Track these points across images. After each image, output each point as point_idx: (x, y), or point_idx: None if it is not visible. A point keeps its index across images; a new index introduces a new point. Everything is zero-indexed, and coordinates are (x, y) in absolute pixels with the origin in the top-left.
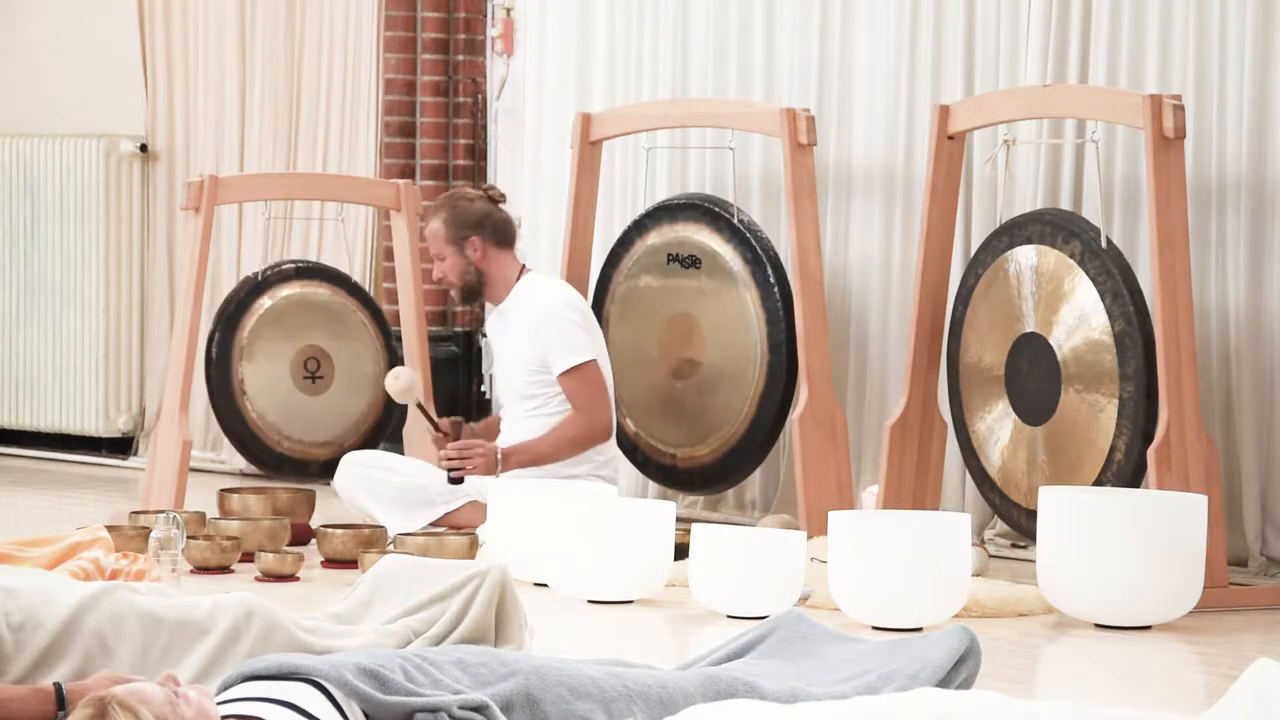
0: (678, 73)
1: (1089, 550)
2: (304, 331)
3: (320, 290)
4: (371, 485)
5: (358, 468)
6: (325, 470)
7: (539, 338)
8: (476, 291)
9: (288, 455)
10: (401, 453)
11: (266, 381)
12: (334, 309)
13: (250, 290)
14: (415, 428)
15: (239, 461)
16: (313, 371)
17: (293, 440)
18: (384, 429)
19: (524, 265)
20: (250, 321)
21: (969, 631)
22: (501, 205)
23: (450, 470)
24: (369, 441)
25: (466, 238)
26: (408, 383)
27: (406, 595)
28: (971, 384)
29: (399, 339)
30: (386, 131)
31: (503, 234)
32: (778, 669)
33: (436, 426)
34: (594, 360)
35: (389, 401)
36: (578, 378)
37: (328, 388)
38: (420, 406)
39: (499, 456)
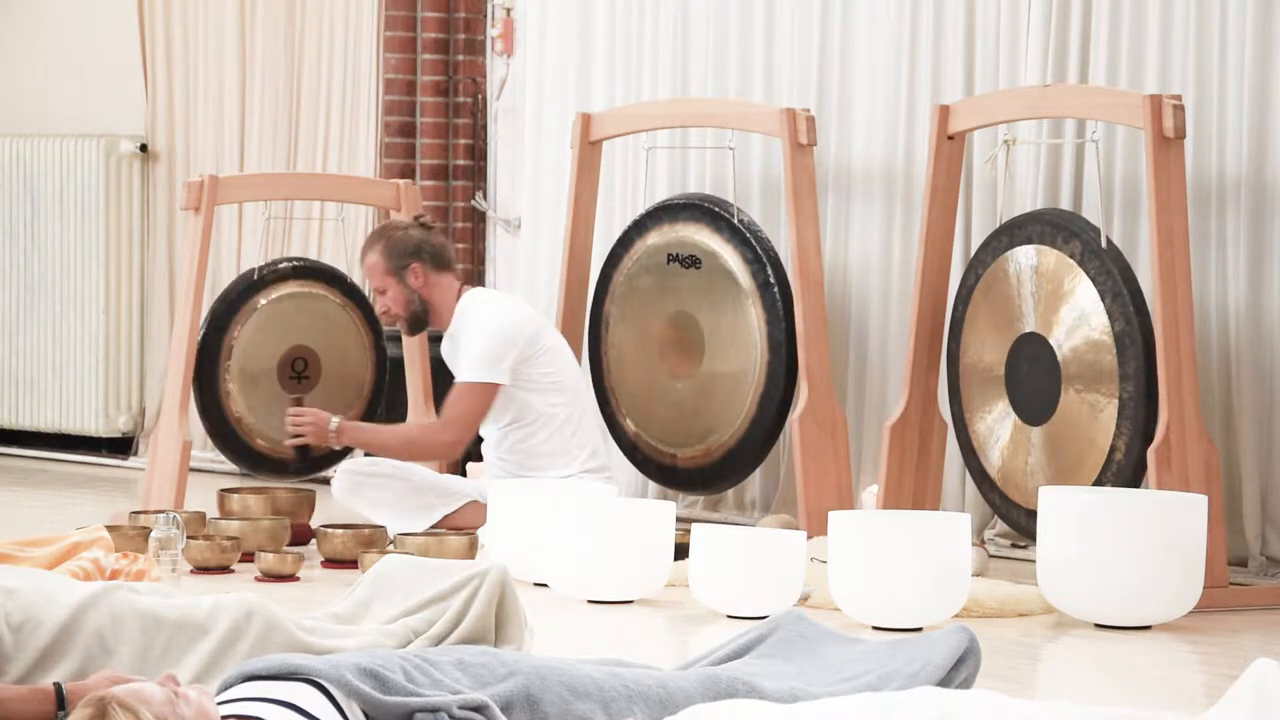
0: (678, 73)
1: (1089, 550)
2: (293, 332)
3: (314, 290)
4: (369, 492)
5: (354, 476)
6: (301, 469)
7: (457, 345)
8: (423, 320)
9: (262, 453)
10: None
11: (250, 380)
12: (325, 309)
13: (243, 290)
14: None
15: None
16: (299, 372)
17: (267, 439)
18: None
19: (463, 285)
20: (242, 322)
21: (969, 631)
22: (435, 230)
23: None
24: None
25: (407, 266)
26: None
27: (406, 595)
28: (971, 384)
29: (392, 339)
30: (386, 131)
31: (441, 258)
32: (778, 669)
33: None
34: (494, 387)
35: (372, 403)
36: (465, 393)
37: (312, 388)
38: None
39: (332, 427)
